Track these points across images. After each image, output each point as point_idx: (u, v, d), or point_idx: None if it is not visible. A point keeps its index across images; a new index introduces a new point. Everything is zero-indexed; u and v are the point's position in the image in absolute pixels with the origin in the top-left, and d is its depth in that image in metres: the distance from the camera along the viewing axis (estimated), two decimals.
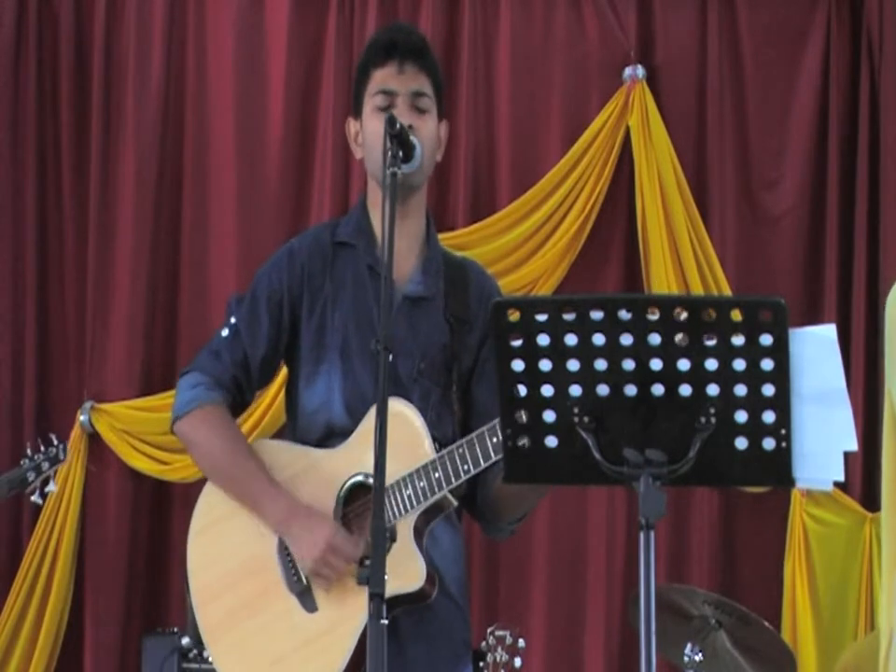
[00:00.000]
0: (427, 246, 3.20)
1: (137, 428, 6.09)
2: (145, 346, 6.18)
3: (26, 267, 6.26)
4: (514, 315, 2.30)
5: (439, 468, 2.94)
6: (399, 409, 2.98)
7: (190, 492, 5.91)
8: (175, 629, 5.59)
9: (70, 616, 6.10)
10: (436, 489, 2.95)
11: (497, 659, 4.05)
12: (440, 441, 3.01)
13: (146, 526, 6.16)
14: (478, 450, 2.91)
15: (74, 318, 6.27)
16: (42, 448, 5.09)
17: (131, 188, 6.22)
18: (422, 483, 2.95)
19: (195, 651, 5.40)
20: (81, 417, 6.09)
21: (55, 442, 5.11)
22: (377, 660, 2.43)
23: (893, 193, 5.95)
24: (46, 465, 5.05)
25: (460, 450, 2.93)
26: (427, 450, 2.98)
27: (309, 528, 2.99)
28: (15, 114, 6.29)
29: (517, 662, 4.06)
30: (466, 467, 2.92)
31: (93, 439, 6.13)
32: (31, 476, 5.04)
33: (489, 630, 4.07)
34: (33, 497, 5.11)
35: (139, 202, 6.21)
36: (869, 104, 6.00)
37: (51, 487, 5.11)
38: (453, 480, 2.94)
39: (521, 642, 4.07)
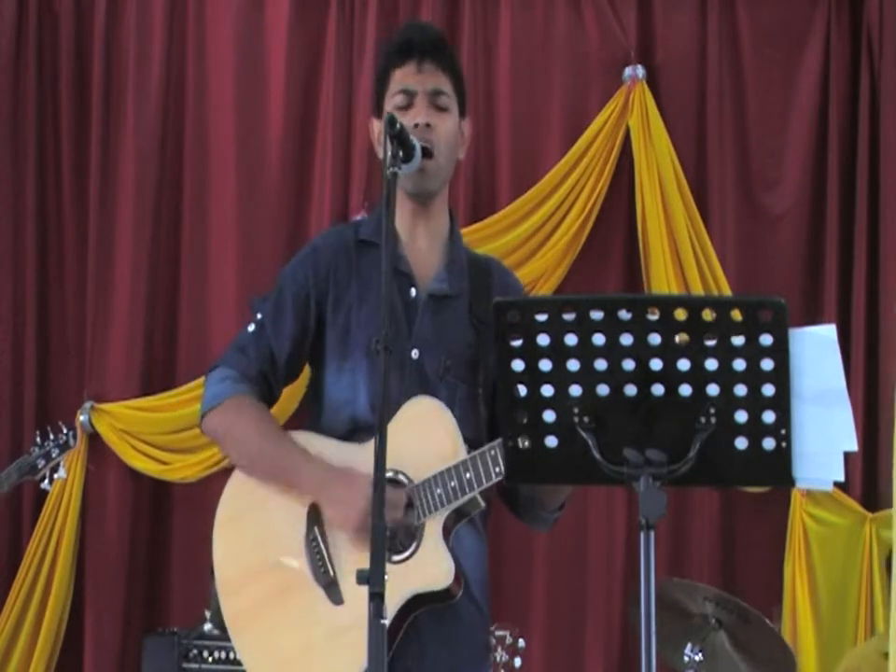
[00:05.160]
0: (451, 245, 3.21)
1: (137, 428, 6.09)
2: (145, 346, 6.18)
3: (26, 267, 6.26)
4: (514, 316, 2.30)
5: (470, 468, 2.94)
6: (432, 406, 2.99)
7: (190, 492, 5.93)
8: (175, 629, 5.59)
9: (70, 616, 6.10)
10: (466, 490, 2.94)
11: (497, 659, 4.06)
12: (466, 441, 3.01)
13: (146, 526, 6.16)
14: None
15: (74, 318, 6.28)
16: (51, 435, 5.08)
17: (131, 188, 6.22)
18: (453, 483, 2.95)
19: (195, 651, 5.40)
20: (81, 417, 6.08)
21: (64, 430, 5.11)
22: (377, 660, 2.42)
23: (893, 193, 5.95)
24: (56, 451, 5.04)
25: (492, 452, 2.93)
26: (458, 449, 2.98)
27: (349, 485, 2.96)
28: (15, 114, 6.29)
29: (517, 662, 4.07)
30: (497, 469, 2.92)
31: (93, 439, 6.13)
32: (40, 463, 5.04)
33: (489, 630, 4.07)
34: (42, 485, 5.10)
35: (139, 202, 6.21)
36: (869, 104, 6.00)
37: (61, 474, 5.11)
38: (484, 481, 2.94)
39: (521, 642, 4.07)
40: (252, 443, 3.12)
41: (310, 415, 3.24)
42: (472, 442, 3.02)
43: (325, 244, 3.21)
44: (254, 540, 3.11)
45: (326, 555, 3.03)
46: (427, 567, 2.87)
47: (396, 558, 2.92)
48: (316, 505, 3.06)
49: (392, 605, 2.82)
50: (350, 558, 3.01)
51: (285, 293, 3.17)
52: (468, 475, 2.94)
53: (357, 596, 2.96)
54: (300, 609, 3.04)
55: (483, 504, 3.01)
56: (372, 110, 3.27)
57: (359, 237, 3.20)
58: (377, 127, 3.22)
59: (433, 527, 2.95)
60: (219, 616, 3.16)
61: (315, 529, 3.06)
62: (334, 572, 3.02)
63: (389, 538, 2.95)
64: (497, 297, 3.12)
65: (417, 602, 2.91)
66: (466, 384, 3.10)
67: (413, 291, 3.13)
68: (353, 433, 3.10)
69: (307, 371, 3.29)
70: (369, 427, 3.05)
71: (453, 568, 2.94)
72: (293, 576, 3.05)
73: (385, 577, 2.47)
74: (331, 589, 3.01)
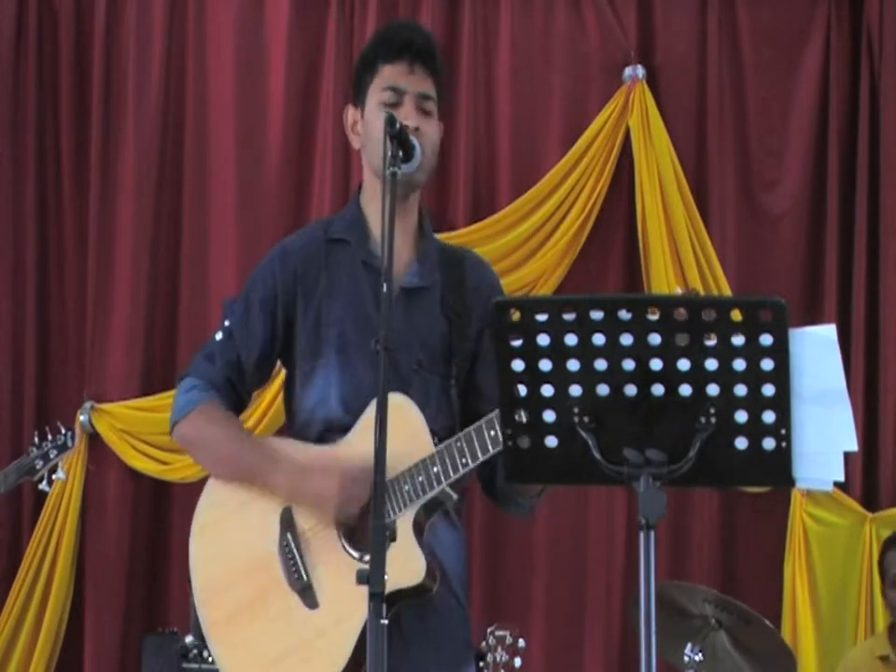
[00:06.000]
0: (422, 238, 3.21)
1: (137, 428, 6.09)
2: (145, 346, 6.18)
3: (26, 268, 6.27)
4: (514, 315, 2.30)
5: (437, 462, 2.94)
6: (399, 402, 2.98)
7: (190, 492, 5.91)
8: (175, 629, 5.59)
9: (70, 616, 6.10)
10: (434, 483, 2.95)
11: (497, 659, 4.05)
12: (438, 434, 3.01)
13: (145, 526, 6.17)
14: (476, 443, 2.91)
15: (74, 318, 6.28)
16: (50, 436, 5.08)
17: (131, 188, 6.22)
18: (421, 478, 2.95)
19: (195, 651, 5.40)
20: (81, 417, 6.09)
21: (62, 430, 5.11)
22: (377, 660, 2.42)
23: (893, 193, 5.95)
24: (54, 452, 5.04)
25: (458, 443, 2.93)
26: (426, 444, 2.98)
27: (323, 474, 2.98)
28: (15, 114, 6.30)
29: (517, 662, 4.06)
30: (464, 460, 2.92)
31: (93, 439, 6.13)
32: (39, 464, 5.04)
33: (489, 630, 4.07)
34: (41, 486, 5.10)
35: (139, 202, 6.21)
36: (869, 104, 6.00)
37: (59, 475, 5.11)
38: (451, 474, 2.94)
39: (521, 642, 4.06)
40: (223, 448, 3.14)
41: (286, 418, 3.25)
42: (445, 435, 3.02)
43: (293, 245, 3.22)
44: (228, 549, 3.12)
45: (299, 560, 3.04)
46: (399, 565, 2.87)
47: (367, 557, 2.92)
48: (289, 510, 3.06)
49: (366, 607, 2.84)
50: (323, 562, 3.03)
51: (252, 298, 3.17)
52: (435, 469, 2.94)
53: (332, 600, 2.99)
54: (275, 616, 3.04)
55: (454, 496, 3.00)
56: (350, 98, 3.25)
57: (329, 236, 3.19)
58: (352, 116, 3.21)
59: (404, 524, 2.95)
60: (198, 627, 3.16)
61: (288, 535, 3.06)
62: (308, 577, 3.03)
63: (361, 537, 2.96)
64: (469, 286, 3.16)
65: (392, 599, 2.91)
66: (439, 377, 3.10)
67: (385, 287, 3.12)
68: (326, 433, 3.09)
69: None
70: (341, 428, 3.07)
71: (424, 564, 2.94)
72: (268, 582, 3.05)
73: (385, 575, 2.47)
74: (306, 594, 3.02)
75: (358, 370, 3.07)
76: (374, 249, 3.13)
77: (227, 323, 3.19)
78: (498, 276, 3.33)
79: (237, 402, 3.21)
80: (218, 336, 3.18)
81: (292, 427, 3.19)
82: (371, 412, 2.96)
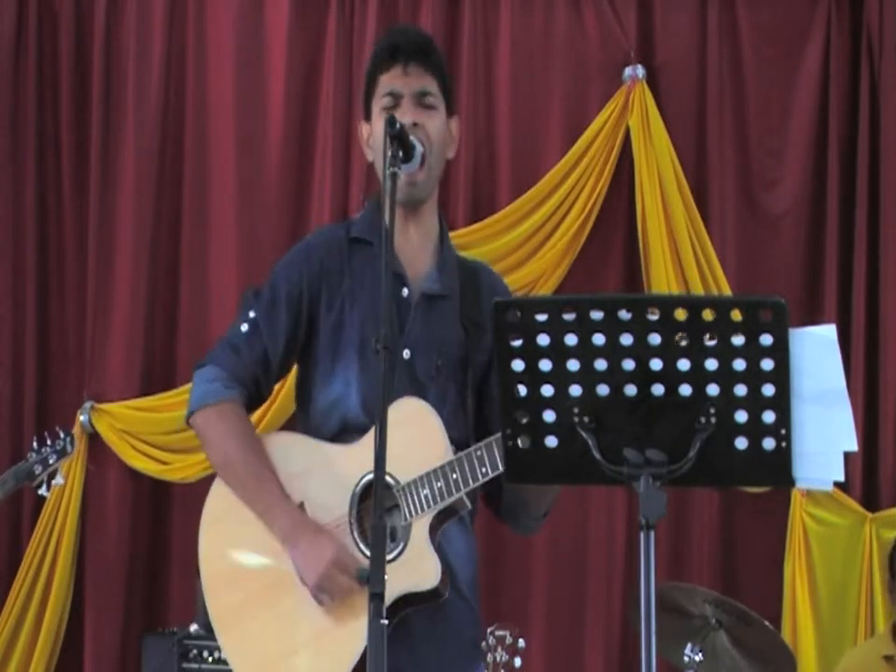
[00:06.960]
0: (442, 246, 3.22)
1: (137, 428, 6.09)
2: (145, 346, 6.18)
3: (26, 267, 6.26)
4: (514, 315, 2.30)
5: (457, 469, 2.94)
6: (418, 407, 2.99)
7: (190, 492, 5.93)
8: (175, 629, 5.59)
9: (70, 616, 6.10)
10: (453, 490, 2.94)
11: (497, 659, 4.05)
12: (454, 441, 3.00)
13: (145, 526, 6.16)
14: (496, 453, 2.90)
15: (74, 318, 6.28)
16: (49, 441, 5.08)
17: (131, 188, 6.22)
18: (439, 484, 2.94)
19: (195, 651, 5.40)
20: (81, 417, 6.09)
21: (62, 435, 5.10)
22: (377, 660, 2.42)
23: (893, 193, 5.95)
24: (53, 458, 5.04)
25: (478, 452, 2.92)
26: (445, 450, 2.98)
27: (315, 544, 2.98)
28: (15, 114, 6.29)
29: (517, 662, 4.06)
30: (484, 469, 2.92)
31: (93, 439, 6.13)
32: (38, 469, 5.03)
33: (489, 630, 4.08)
34: (40, 491, 5.09)
35: (139, 202, 6.21)
36: (869, 104, 6.00)
37: (58, 480, 5.09)
38: (470, 482, 2.93)
39: (521, 642, 4.07)
40: (231, 464, 3.11)
41: (299, 415, 3.23)
42: (461, 443, 3.02)
43: (318, 241, 3.21)
44: (239, 540, 3.11)
45: None
46: (414, 568, 2.87)
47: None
48: (302, 504, 3.06)
49: None
50: None
51: (278, 292, 3.15)
52: (454, 476, 2.94)
53: (342, 597, 2.97)
54: (285, 610, 3.04)
55: (469, 504, 3.00)
56: (356, 110, 3.28)
57: (351, 235, 3.19)
58: (366, 131, 3.22)
59: (419, 528, 2.95)
60: (206, 616, 3.15)
61: None
62: None
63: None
64: (485, 298, 3.16)
65: (404, 602, 2.91)
66: (456, 384, 3.11)
67: (406, 291, 3.12)
68: (342, 433, 3.09)
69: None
70: (358, 428, 3.06)
71: (440, 569, 2.94)
72: (278, 576, 3.04)
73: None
74: None
75: (378, 372, 3.07)
76: (396, 252, 3.12)
77: (252, 314, 3.15)
78: (510, 287, 3.35)
79: (258, 398, 3.20)
80: (244, 328, 3.15)
81: (307, 421, 3.17)
82: (389, 415, 2.96)
